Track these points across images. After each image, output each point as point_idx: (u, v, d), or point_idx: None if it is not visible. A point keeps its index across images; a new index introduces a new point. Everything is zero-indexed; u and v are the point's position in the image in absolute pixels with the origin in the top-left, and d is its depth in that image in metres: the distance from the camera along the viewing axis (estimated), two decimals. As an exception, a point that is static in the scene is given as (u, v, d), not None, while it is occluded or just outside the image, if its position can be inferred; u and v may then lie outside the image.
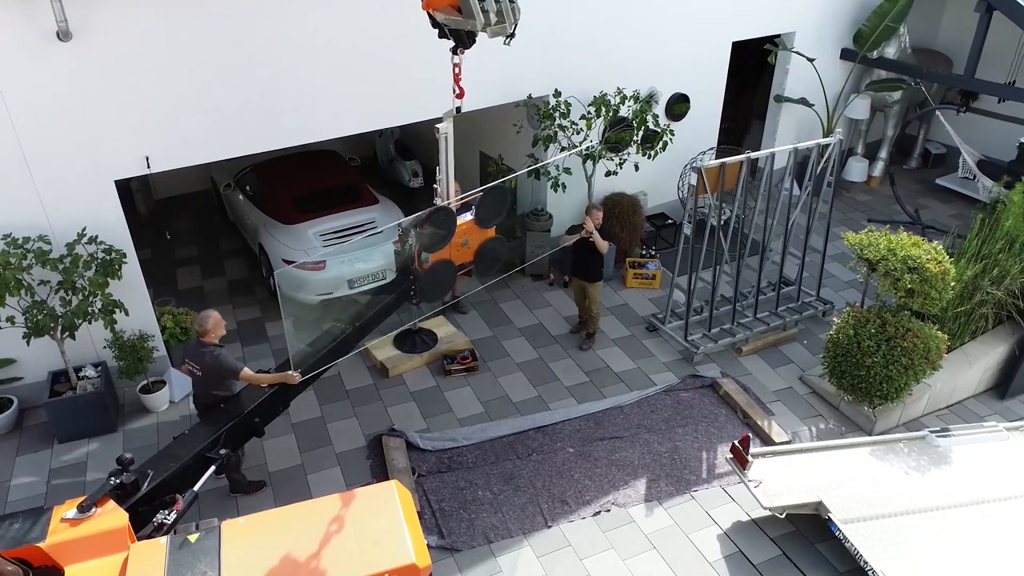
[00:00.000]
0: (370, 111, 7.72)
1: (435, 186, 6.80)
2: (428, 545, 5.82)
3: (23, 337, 6.46)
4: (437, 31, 5.37)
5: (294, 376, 6.02)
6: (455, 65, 5.60)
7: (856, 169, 12.13)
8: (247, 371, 5.92)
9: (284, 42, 6.97)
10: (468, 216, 7.11)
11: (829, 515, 5.79)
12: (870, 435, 7.17)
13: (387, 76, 7.52)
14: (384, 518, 4.62)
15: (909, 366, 6.79)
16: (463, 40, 5.35)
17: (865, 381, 6.97)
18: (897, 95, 11.40)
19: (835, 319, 7.38)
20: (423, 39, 5.80)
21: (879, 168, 12.15)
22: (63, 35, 5.98)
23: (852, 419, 7.42)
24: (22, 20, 5.90)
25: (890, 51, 10.96)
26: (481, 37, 5.31)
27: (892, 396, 6.97)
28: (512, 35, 5.28)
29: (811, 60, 10.28)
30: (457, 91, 5.74)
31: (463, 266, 7.18)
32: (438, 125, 6.18)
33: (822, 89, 10.72)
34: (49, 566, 4.40)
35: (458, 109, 5.97)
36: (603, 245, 7.67)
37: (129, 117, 6.56)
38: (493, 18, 5.02)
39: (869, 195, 11.91)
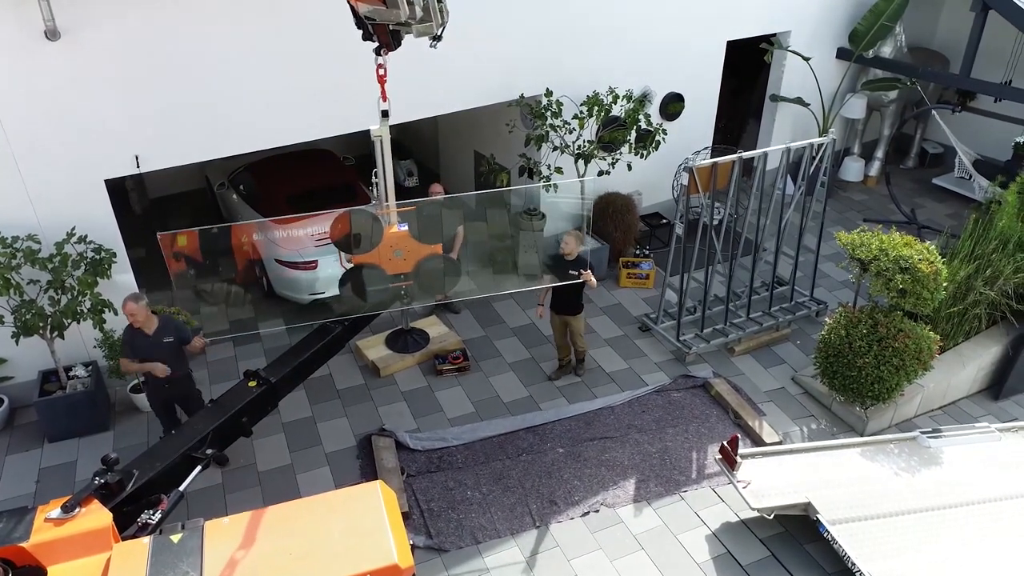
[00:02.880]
0: (360, 111, 7.67)
1: (371, 188, 6.60)
2: (415, 545, 5.84)
3: (12, 336, 6.46)
4: (361, 32, 5.20)
5: (159, 367, 6.06)
6: (379, 66, 5.48)
7: (852, 168, 12.10)
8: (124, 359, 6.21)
9: (275, 40, 6.96)
10: (405, 227, 6.73)
11: (817, 516, 5.77)
12: (862, 436, 7.14)
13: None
14: (368, 518, 4.59)
15: (900, 366, 6.76)
16: (388, 40, 5.20)
17: (857, 381, 6.94)
18: (893, 94, 11.35)
19: (827, 319, 7.36)
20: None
21: (875, 167, 12.12)
22: (51, 34, 5.98)
23: (844, 420, 7.39)
24: (10, 19, 5.89)
25: (886, 50, 10.92)
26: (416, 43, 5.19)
27: (884, 396, 6.95)
28: (439, 37, 5.15)
29: (807, 59, 10.25)
30: (382, 94, 5.65)
31: (398, 277, 6.85)
32: (371, 128, 6.02)
33: (818, 88, 10.69)
34: (32, 566, 4.39)
35: (384, 113, 5.84)
36: (592, 281, 7.10)
37: (118, 116, 6.56)
38: (419, 12, 4.87)
39: (865, 194, 11.88)
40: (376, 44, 5.29)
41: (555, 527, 6.23)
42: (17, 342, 6.52)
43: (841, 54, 11.11)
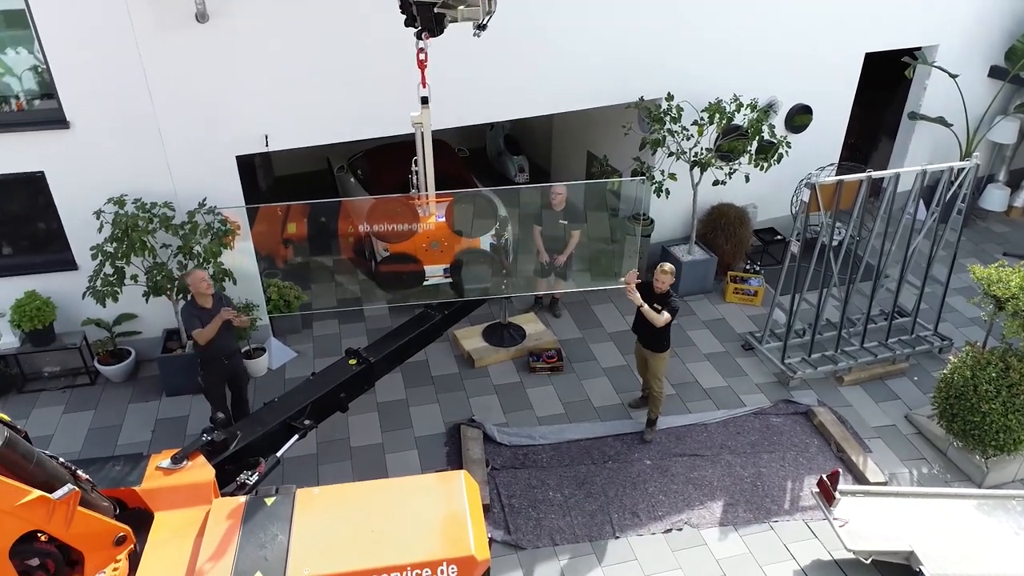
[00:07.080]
0: (473, 105, 7.76)
1: (410, 176, 6.44)
2: (493, 540, 5.86)
3: (143, 295, 6.97)
4: (405, 17, 5.09)
5: (228, 312, 6.13)
6: (419, 51, 5.33)
7: (995, 197, 11.14)
8: (197, 330, 6.13)
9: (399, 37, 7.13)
10: (443, 218, 6.50)
11: (921, 567, 5.37)
12: (979, 487, 6.59)
13: (500, 71, 7.56)
14: (450, 507, 4.65)
15: (1032, 417, 6.18)
16: (431, 24, 5.06)
17: (979, 428, 6.40)
18: (1051, 119, 10.38)
19: (951, 357, 6.83)
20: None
21: (1022, 198, 11.13)
22: (201, 17, 6.39)
23: (960, 467, 6.84)
24: (165, 1, 6.34)
25: (1047, 71, 10.00)
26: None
27: (1009, 447, 6.38)
28: (483, 26, 4.99)
29: (954, 76, 9.53)
30: (422, 80, 5.49)
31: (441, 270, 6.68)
32: (412, 115, 5.79)
33: (963, 108, 9.92)
34: (140, 508, 4.73)
35: (424, 99, 5.68)
36: (656, 318, 6.29)
37: (253, 97, 6.93)
38: None
39: (1007, 226, 10.94)
40: (418, 28, 5.19)
41: (635, 540, 6.10)
42: (147, 300, 7.03)
43: (994, 72, 10.26)
